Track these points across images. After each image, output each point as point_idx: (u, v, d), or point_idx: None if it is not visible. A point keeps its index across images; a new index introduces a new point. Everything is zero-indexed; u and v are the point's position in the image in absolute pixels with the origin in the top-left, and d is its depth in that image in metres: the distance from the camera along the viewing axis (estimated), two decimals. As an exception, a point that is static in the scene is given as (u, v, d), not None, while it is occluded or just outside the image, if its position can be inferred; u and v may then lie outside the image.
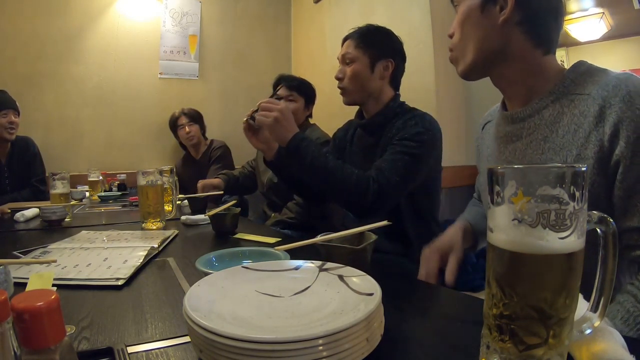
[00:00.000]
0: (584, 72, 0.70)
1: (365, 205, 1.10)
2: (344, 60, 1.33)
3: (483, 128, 0.94)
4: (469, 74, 0.78)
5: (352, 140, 1.45)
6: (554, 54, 0.75)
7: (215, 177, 2.17)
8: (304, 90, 2.02)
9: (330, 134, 1.70)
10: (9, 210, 1.67)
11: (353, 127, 1.46)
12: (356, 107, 1.42)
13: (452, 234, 0.90)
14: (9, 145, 2.26)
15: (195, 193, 1.82)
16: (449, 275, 0.81)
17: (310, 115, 2.10)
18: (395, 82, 1.36)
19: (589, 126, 0.65)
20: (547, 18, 0.72)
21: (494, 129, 0.85)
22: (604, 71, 0.69)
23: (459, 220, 0.96)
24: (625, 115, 0.61)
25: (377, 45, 1.31)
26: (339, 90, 1.36)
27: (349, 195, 1.11)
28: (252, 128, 1.25)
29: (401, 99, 1.35)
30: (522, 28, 0.71)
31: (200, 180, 2.06)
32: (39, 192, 2.26)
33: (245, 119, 1.25)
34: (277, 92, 1.94)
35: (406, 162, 1.16)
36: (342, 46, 1.37)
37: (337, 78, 1.34)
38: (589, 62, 0.72)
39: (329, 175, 1.09)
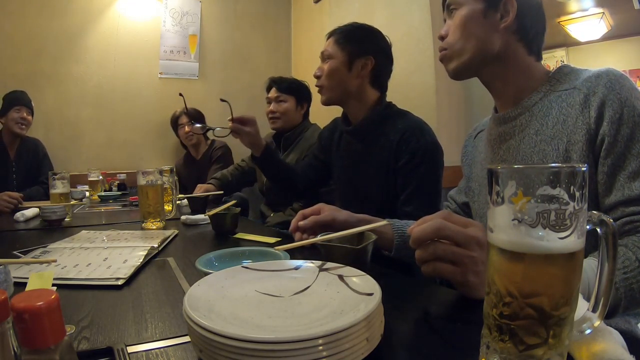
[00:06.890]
0: (569, 73, 0.77)
1: None
2: (323, 57, 1.30)
3: (476, 137, 0.98)
4: (461, 72, 0.84)
5: (338, 144, 1.40)
6: (541, 62, 0.83)
7: (208, 183, 2.11)
8: (294, 90, 2.02)
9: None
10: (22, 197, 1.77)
11: (339, 130, 1.40)
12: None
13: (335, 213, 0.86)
14: (19, 142, 2.32)
15: (195, 193, 1.82)
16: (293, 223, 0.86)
17: (307, 114, 2.09)
18: (378, 82, 1.29)
19: (576, 114, 0.70)
20: (539, 30, 0.81)
21: (486, 133, 0.90)
22: (586, 69, 0.76)
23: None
24: (607, 98, 0.67)
25: (356, 42, 1.26)
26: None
27: None
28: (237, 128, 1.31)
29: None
30: (518, 36, 0.79)
31: (198, 185, 2.03)
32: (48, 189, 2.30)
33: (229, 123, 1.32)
34: (268, 95, 2.02)
35: (430, 192, 1.18)
36: None
37: (315, 76, 1.31)
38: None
39: None
